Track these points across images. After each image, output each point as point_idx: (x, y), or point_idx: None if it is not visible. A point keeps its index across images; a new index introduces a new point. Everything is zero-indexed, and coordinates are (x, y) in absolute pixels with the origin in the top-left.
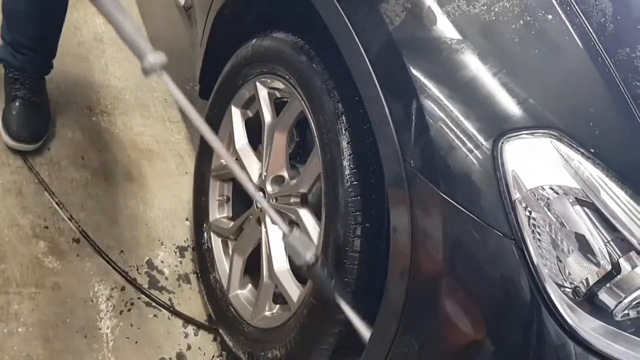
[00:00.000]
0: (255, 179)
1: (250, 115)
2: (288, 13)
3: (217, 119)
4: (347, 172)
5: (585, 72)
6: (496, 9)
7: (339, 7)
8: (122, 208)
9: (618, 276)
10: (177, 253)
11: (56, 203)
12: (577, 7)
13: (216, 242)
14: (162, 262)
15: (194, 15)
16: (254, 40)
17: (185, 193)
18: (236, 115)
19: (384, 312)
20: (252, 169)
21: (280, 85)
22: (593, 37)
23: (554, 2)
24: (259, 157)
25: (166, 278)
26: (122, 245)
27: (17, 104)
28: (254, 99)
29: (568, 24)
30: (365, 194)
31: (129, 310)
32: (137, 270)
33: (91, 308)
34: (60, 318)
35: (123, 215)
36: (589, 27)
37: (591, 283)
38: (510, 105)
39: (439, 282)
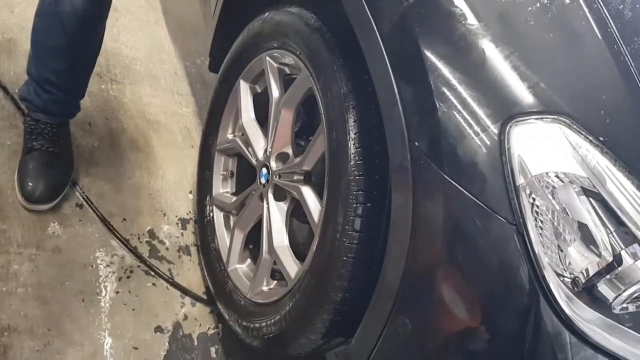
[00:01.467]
0: (260, 154)
1: (259, 90)
2: None
3: (225, 93)
4: (351, 150)
5: (600, 59)
6: None
7: None
8: (127, 177)
9: (619, 268)
10: (179, 225)
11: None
12: None
13: (218, 216)
14: (163, 232)
15: None
16: (266, 14)
17: (190, 166)
18: (244, 90)
19: (380, 292)
20: (257, 144)
21: (291, 61)
22: (610, 23)
23: None
24: (265, 133)
25: (167, 249)
26: (125, 214)
27: (34, 157)
28: (263, 74)
29: (585, 9)
30: (368, 174)
31: (128, 277)
32: (139, 239)
33: (90, 273)
34: (59, 281)
35: (127, 184)
36: (606, 13)
37: (591, 274)
38: (520, 89)
39: (436, 265)
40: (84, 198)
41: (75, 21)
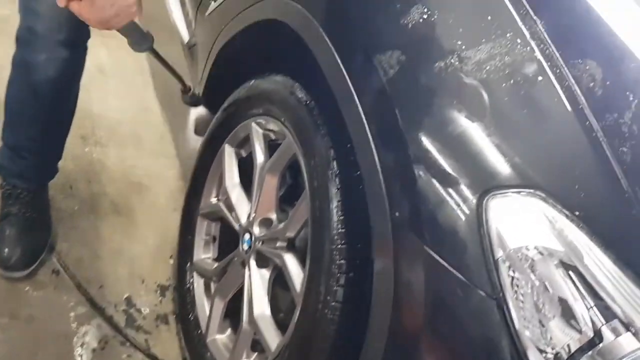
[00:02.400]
0: (243, 220)
1: (244, 155)
2: (288, 58)
3: (210, 156)
4: (334, 219)
5: (572, 135)
6: (487, 68)
7: (336, 55)
8: (107, 242)
9: (600, 344)
10: (158, 292)
11: None
12: (567, 70)
13: (198, 283)
14: (141, 300)
15: (196, 54)
16: (252, 81)
17: (172, 230)
18: (229, 154)
19: None
20: (241, 209)
21: (275, 127)
22: (582, 100)
23: (544, 64)
24: (249, 198)
25: (144, 317)
26: (102, 280)
27: (10, 222)
28: (248, 139)
29: (557, 86)
30: (351, 243)
31: (103, 348)
32: (115, 307)
33: (64, 344)
34: (31, 352)
35: (106, 249)
36: (578, 90)
37: (573, 350)
38: (497, 163)
39: (419, 338)
40: (60, 264)
41: (49, 90)
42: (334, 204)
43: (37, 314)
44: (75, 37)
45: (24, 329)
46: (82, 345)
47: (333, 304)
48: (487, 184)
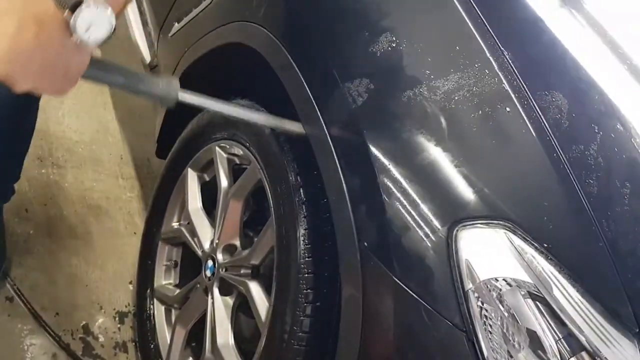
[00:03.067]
0: (206, 245)
1: (207, 179)
2: (252, 82)
3: (172, 180)
4: (301, 247)
5: (540, 166)
6: (456, 98)
7: (303, 81)
8: (63, 266)
9: None
10: (117, 319)
11: None
12: (534, 101)
13: (159, 310)
14: (99, 327)
15: (159, 74)
16: None
17: (132, 255)
18: (192, 178)
19: None
20: (203, 234)
21: (240, 152)
22: (549, 132)
23: (512, 96)
24: (212, 223)
25: (102, 345)
26: (59, 307)
27: None
28: (211, 163)
29: (525, 118)
30: (318, 271)
31: None
32: (72, 335)
33: None
34: None
35: (63, 274)
36: (545, 122)
37: None
38: (466, 193)
39: None
40: (14, 291)
41: (9, 105)
42: (301, 231)
43: None
44: None
45: None
46: None
47: (299, 334)
48: (456, 215)
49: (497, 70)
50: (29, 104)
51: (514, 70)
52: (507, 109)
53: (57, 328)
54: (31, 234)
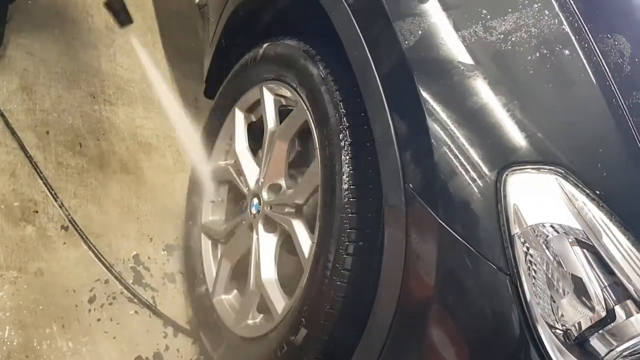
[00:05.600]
0: (252, 184)
1: (254, 119)
2: (303, 21)
3: (219, 119)
4: (345, 187)
5: (598, 112)
6: (513, 39)
7: (353, 19)
8: (115, 199)
9: (612, 323)
10: (166, 251)
11: (48, 189)
12: (595, 45)
13: (206, 244)
14: (149, 258)
15: (207, 14)
16: (265, 45)
17: (180, 191)
18: (239, 118)
19: (369, 334)
20: (250, 173)
21: (287, 93)
22: (609, 77)
23: (572, 38)
24: (258, 162)
25: (151, 275)
26: (111, 238)
27: None
28: (259, 103)
29: (585, 61)
30: (361, 212)
31: (110, 304)
32: (123, 264)
33: (72, 298)
34: (40, 305)
35: (115, 207)
36: (605, 66)
37: (583, 327)
38: (517, 138)
39: (427, 309)
40: (69, 220)
41: None
42: (345, 172)
43: (46, 269)
44: None
45: (32, 282)
46: (90, 300)
47: (341, 271)
48: (506, 159)
49: (558, 11)
50: None
51: (575, 12)
52: (566, 51)
53: (110, 257)
54: (85, 168)
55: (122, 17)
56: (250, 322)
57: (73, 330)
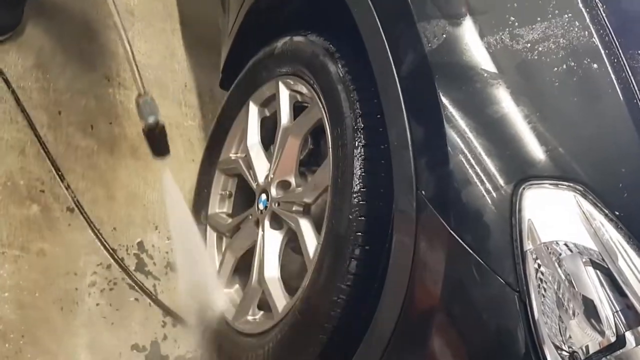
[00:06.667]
0: (261, 179)
1: (268, 114)
2: (324, 17)
3: (233, 111)
4: (355, 189)
5: (622, 130)
6: (540, 49)
7: (376, 17)
8: (123, 184)
9: (621, 350)
10: (170, 240)
11: (55, 169)
12: (625, 60)
13: (211, 236)
14: (153, 246)
15: (227, 3)
16: (285, 38)
17: (189, 181)
18: (253, 112)
19: (369, 339)
20: (259, 168)
21: (303, 89)
22: (637, 95)
23: (602, 52)
24: (269, 158)
25: (154, 263)
26: (116, 223)
27: None
28: (273, 98)
29: (613, 77)
30: (370, 216)
31: (111, 289)
32: (127, 250)
33: (73, 281)
34: (40, 286)
35: (122, 192)
36: (634, 83)
37: (591, 351)
38: (537, 151)
39: (431, 319)
40: (75, 202)
41: None
42: (357, 174)
43: (49, 249)
44: None
45: (34, 262)
46: (91, 284)
47: (345, 274)
48: (524, 172)
49: (589, 23)
50: None
51: (606, 25)
52: (595, 65)
53: (113, 242)
54: (95, 150)
55: (161, 148)
56: (250, 318)
57: (72, 313)
